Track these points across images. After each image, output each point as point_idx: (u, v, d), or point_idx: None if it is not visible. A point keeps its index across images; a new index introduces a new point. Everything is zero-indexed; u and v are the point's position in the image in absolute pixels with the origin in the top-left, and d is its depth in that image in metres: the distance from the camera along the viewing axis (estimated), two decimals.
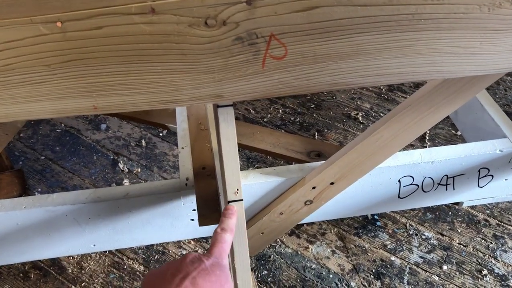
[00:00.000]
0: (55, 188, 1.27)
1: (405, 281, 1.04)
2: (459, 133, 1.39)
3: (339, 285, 1.03)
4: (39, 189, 1.27)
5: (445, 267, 1.06)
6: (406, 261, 1.08)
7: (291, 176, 0.92)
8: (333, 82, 0.57)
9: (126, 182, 1.28)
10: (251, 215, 0.97)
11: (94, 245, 1.02)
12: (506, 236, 1.12)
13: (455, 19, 0.53)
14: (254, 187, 0.92)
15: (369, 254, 1.09)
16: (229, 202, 0.67)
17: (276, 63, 0.54)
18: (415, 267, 1.06)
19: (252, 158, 1.34)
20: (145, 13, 0.49)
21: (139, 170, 1.31)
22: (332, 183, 0.88)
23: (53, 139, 1.42)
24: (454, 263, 1.07)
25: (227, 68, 0.54)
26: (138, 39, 0.50)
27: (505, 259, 1.08)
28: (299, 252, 1.10)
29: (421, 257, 1.08)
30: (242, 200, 0.67)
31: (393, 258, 1.08)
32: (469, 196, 1.11)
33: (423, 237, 1.12)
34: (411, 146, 1.35)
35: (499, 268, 1.06)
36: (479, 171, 1.02)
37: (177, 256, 1.09)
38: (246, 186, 0.91)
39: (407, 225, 1.15)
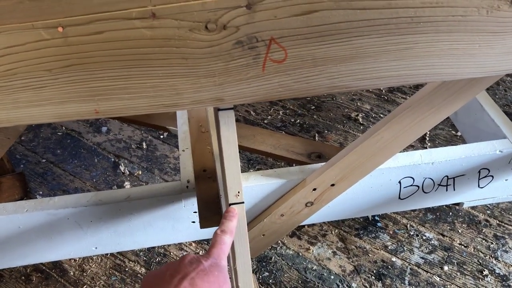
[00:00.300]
0: (56, 191, 1.28)
1: (406, 282, 1.04)
2: (459, 133, 1.39)
3: (340, 286, 1.03)
4: (41, 192, 1.27)
5: (446, 268, 1.06)
6: (407, 262, 1.08)
7: (292, 177, 0.92)
8: (333, 85, 0.57)
9: (127, 184, 1.28)
10: (252, 217, 0.97)
11: (96, 248, 1.02)
12: (507, 236, 1.12)
13: (453, 22, 0.53)
14: (255, 189, 0.92)
15: (370, 255, 1.09)
16: (230, 204, 0.67)
17: (276, 66, 0.55)
18: (416, 268, 1.07)
19: (253, 159, 1.34)
20: (146, 17, 0.49)
21: (140, 172, 1.32)
22: (333, 185, 0.88)
23: (54, 142, 1.43)
24: (455, 264, 1.07)
25: (227, 71, 0.54)
26: (139, 43, 0.51)
27: (506, 259, 1.08)
28: (300, 254, 1.10)
29: (422, 257, 1.09)
30: (243, 202, 0.68)
31: (394, 259, 1.09)
32: (470, 196, 1.11)
33: (424, 237, 1.13)
34: (411, 147, 1.35)
35: (500, 269, 1.06)
36: (479, 171, 1.03)
37: (178, 258, 1.10)
38: (247, 188, 0.92)
39: (408, 226, 1.15)
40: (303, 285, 1.04)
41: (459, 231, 1.14)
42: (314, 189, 0.89)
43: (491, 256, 1.09)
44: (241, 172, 0.69)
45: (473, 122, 1.20)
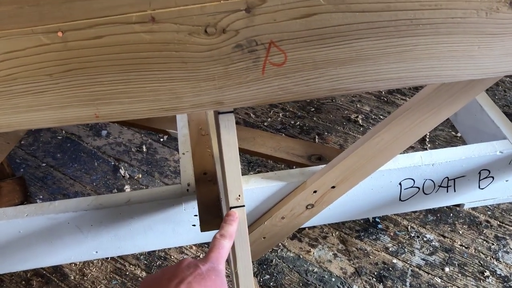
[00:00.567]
0: (56, 195, 1.28)
1: (408, 284, 1.04)
2: (459, 134, 1.39)
3: None
4: (41, 196, 1.27)
5: (447, 269, 1.06)
6: (408, 264, 1.08)
7: (292, 180, 0.92)
8: (333, 87, 0.57)
9: (127, 188, 1.28)
10: (253, 220, 0.97)
11: (96, 252, 1.02)
12: (507, 237, 1.12)
13: (453, 24, 0.53)
14: (256, 192, 0.92)
15: (371, 257, 1.09)
16: (231, 208, 0.67)
17: (276, 69, 0.55)
18: (417, 270, 1.06)
19: (253, 162, 1.34)
20: (145, 22, 0.49)
21: (140, 176, 1.32)
22: (333, 187, 0.88)
23: (54, 146, 1.42)
24: (456, 265, 1.07)
25: (227, 75, 0.54)
26: (139, 47, 0.51)
27: (507, 260, 1.08)
28: (301, 256, 1.10)
29: (423, 259, 1.08)
30: (244, 206, 0.67)
31: (395, 260, 1.08)
32: (470, 197, 1.11)
33: (425, 239, 1.13)
34: (411, 148, 1.35)
35: (501, 270, 1.06)
36: (479, 172, 1.03)
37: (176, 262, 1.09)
38: (248, 191, 0.92)
39: (409, 227, 1.15)
40: None
41: (460, 232, 1.14)
42: (315, 192, 0.89)
43: (492, 257, 1.08)
44: (241, 175, 0.69)
45: (473, 123, 1.20)
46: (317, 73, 0.56)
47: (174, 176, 1.32)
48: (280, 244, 1.12)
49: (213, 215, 0.87)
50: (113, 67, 0.52)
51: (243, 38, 0.51)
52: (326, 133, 1.43)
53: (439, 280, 1.04)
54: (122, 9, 0.48)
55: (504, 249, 1.10)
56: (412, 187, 1.02)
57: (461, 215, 1.18)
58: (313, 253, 1.11)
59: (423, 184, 1.02)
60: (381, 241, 1.12)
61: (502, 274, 1.05)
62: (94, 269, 1.08)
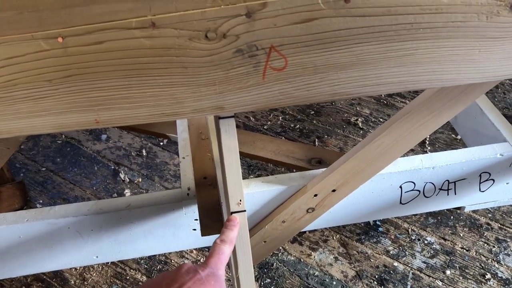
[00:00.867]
0: (56, 200, 1.27)
1: (409, 287, 1.03)
2: (459, 137, 1.39)
3: None
4: (41, 201, 1.27)
5: (448, 272, 1.06)
6: (409, 267, 1.07)
7: (293, 184, 0.92)
8: (333, 92, 0.57)
9: (127, 192, 1.28)
10: (253, 224, 0.97)
11: (97, 257, 1.02)
12: (508, 240, 1.12)
13: (453, 28, 0.53)
14: (256, 195, 0.92)
15: (372, 260, 1.09)
16: (232, 213, 0.67)
17: (276, 74, 0.55)
18: (418, 273, 1.06)
19: (253, 165, 1.34)
20: (146, 27, 0.49)
21: (140, 180, 1.31)
22: (334, 190, 0.88)
23: (53, 151, 1.42)
24: (457, 268, 1.07)
25: (228, 80, 0.54)
26: (139, 53, 0.51)
27: (508, 262, 1.07)
28: (301, 260, 1.10)
29: (424, 262, 1.08)
30: (245, 211, 0.67)
31: (396, 263, 1.08)
32: (471, 200, 1.11)
33: (426, 242, 1.12)
34: (411, 151, 1.35)
35: (502, 272, 1.05)
36: (480, 175, 1.03)
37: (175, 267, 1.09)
38: (248, 195, 0.91)
39: (409, 230, 1.15)
40: None
41: (461, 235, 1.14)
42: (315, 195, 0.89)
43: (493, 259, 1.08)
44: (242, 179, 0.69)
45: (473, 125, 1.20)
46: (317, 77, 0.55)
47: (174, 180, 1.32)
48: (280, 247, 1.12)
49: (213, 219, 0.86)
50: (113, 73, 0.52)
51: (244, 43, 0.51)
52: (326, 136, 1.43)
53: (440, 283, 1.04)
54: (122, 15, 0.48)
55: (505, 252, 1.10)
56: (412, 190, 1.02)
57: (461, 217, 1.18)
58: (314, 257, 1.10)
59: (424, 187, 1.02)
60: (382, 244, 1.12)
61: (504, 277, 1.05)
62: (94, 274, 1.08)
